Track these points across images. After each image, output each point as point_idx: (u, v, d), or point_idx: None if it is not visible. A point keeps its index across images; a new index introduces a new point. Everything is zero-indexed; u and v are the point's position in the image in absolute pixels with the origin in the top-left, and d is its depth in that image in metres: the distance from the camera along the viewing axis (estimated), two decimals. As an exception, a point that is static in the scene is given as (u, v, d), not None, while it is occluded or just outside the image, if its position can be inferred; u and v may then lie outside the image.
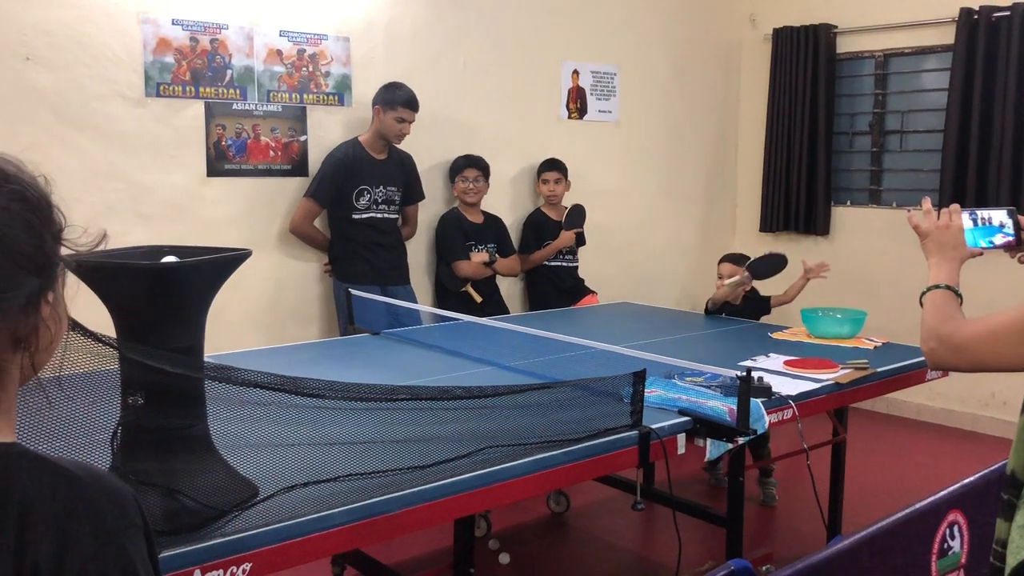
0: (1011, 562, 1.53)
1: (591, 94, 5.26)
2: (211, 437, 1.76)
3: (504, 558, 3.40)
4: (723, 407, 2.43)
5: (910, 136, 5.53)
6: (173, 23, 3.75)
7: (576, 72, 5.18)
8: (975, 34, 4.96)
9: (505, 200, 4.91)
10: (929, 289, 1.71)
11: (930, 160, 5.34)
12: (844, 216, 5.77)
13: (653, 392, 2.56)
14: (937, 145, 5.25)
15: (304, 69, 4.12)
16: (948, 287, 1.70)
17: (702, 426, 2.38)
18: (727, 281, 3.94)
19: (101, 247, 0.94)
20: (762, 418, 2.49)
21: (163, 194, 3.79)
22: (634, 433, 2.23)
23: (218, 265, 1.71)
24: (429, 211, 4.60)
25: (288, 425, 1.91)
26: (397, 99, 4.13)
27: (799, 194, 5.80)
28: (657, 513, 3.87)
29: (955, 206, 1.83)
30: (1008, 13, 4.81)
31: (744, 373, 2.29)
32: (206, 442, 1.75)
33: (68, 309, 0.94)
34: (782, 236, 5.96)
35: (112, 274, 1.65)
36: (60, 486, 0.83)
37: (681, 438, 2.35)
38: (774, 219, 5.95)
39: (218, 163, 3.92)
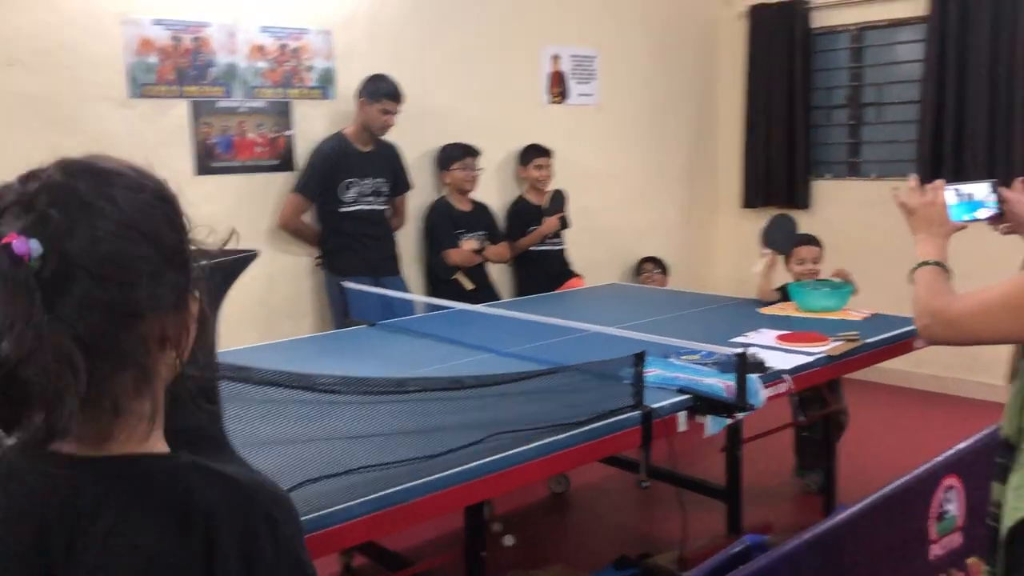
0: (1007, 523, 1.60)
1: (572, 78, 5.29)
2: (226, 435, 1.80)
3: (508, 540, 3.46)
4: (720, 384, 2.49)
5: (887, 108, 5.60)
6: (154, 23, 3.74)
7: (556, 57, 5.21)
8: (948, 5, 5.02)
9: (491, 187, 4.94)
10: (919, 265, 1.77)
11: (907, 131, 5.42)
12: (824, 189, 5.84)
13: (651, 372, 2.61)
14: (914, 116, 5.33)
15: (287, 64, 4.13)
16: (937, 263, 1.76)
17: (701, 403, 2.44)
18: (756, 271, 3.75)
19: (230, 244, 0.94)
20: (758, 392, 2.56)
21: (153, 195, 3.79)
22: (637, 413, 2.29)
23: (226, 273, 1.74)
24: (417, 201, 4.63)
25: (299, 421, 1.94)
26: (381, 91, 4.15)
27: (779, 169, 5.87)
28: (656, 489, 3.92)
29: (939, 182, 1.88)
30: (980, -17, 4.89)
31: (741, 350, 2.35)
32: (221, 441, 1.79)
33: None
34: (764, 212, 6.01)
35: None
36: (234, 495, 0.83)
37: (682, 416, 2.41)
38: (756, 195, 6.02)
39: (206, 161, 3.93)
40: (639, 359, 2.29)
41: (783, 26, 5.72)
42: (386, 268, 4.34)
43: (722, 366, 2.64)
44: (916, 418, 4.97)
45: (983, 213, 1.86)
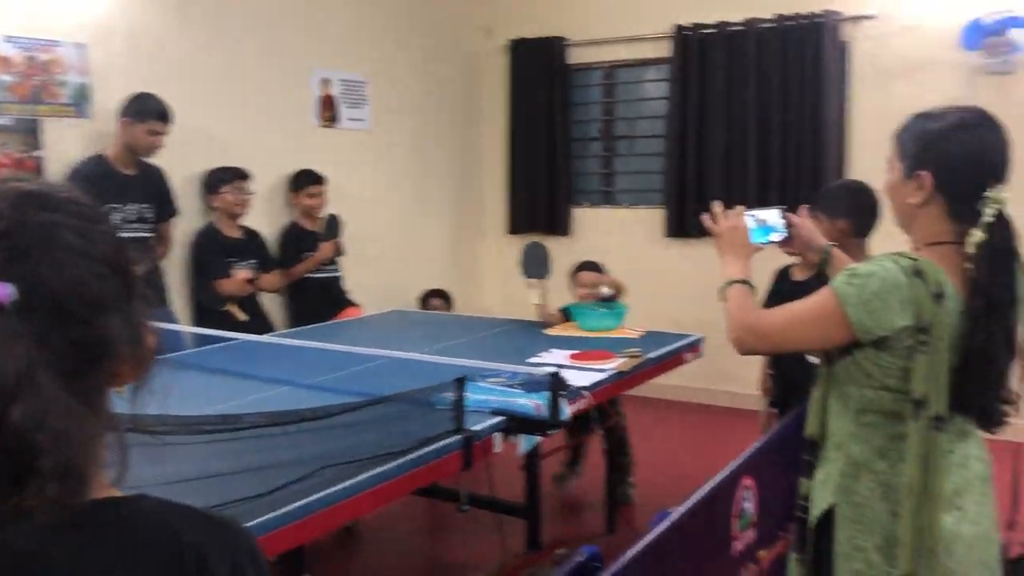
0: (814, 513, 1.79)
1: (342, 103, 5.24)
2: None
3: (304, 579, 3.33)
4: (530, 403, 2.57)
5: (637, 141, 6.05)
6: None
7: (327, 81, 5.14)
8: (688, 48, 5.53)
9: (262, 212, 4.76)
10: (728, 284, 1.94)
11: (655, 163, 5.88)
12: (583, 216, 6.19)
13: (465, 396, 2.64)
14: (661, 149, 5.79)
15: (36, 78, 3.75)
16: (744, 281, 1.94)
17: (514, 423, 2.50)
18: (536, 302, 3.86)
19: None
20: (564, 409, 2.67)
21: None
22: (459, 438, 2.30)
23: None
24: (182, 227, 4.37)
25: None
26: (148, 110, 3.88)
27: (541, 197, 6.15)
28: (441, 511, 3.95)
29: (740, 208, 2.08)
30: (716, 30, 5.42)
31: (554, 371, 2.44)
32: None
33: None
34: (529, 237, 6.26)
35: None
36: (219, 533, 0.80)
37: (497, 437, 2.46)
38: (520, 221, 6.26)
39: (-61, 184, 3.47)
40: (460, 384, 2.31)
41: (542, 61, 6.02)
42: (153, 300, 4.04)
43: (527, 386, 2.72)
44: (675, 426, 5.37)
45: (776, 237, 2.08)
